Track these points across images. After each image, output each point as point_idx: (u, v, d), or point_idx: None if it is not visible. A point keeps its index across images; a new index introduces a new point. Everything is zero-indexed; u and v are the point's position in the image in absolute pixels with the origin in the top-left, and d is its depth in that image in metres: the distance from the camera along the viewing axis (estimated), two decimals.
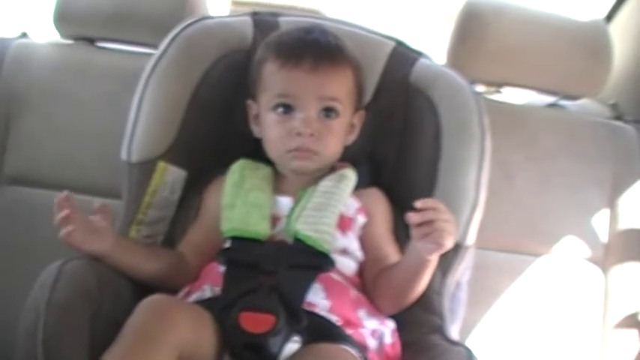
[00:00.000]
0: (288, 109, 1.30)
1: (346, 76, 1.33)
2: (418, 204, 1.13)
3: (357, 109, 1.38)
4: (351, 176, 1.35)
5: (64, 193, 1.19)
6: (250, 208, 1.29)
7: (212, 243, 1.30)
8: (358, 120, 1.39)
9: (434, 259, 1.18)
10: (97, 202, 1.21)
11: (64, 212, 1.16)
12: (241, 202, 1.30)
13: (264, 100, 1.33)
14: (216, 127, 1.44)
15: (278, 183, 1.36)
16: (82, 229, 1.17)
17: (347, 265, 1.28)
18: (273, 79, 1.31)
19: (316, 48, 1.30)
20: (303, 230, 1.25)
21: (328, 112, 1.30)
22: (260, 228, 1.27)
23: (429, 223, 1.12)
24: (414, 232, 1.14)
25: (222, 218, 1.30)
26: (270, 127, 1.32)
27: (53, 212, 1.18)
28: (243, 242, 1.26)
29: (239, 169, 1.36)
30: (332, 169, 1.35)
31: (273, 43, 1.35)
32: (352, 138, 1.39)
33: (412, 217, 1.12)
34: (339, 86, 1.31)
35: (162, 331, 1.04)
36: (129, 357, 1.02)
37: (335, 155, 1.34)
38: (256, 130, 1.38)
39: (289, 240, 1.27)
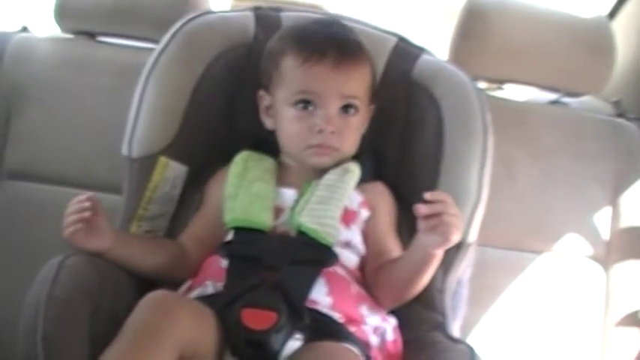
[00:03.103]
0: (309, 104, 1.29)
1: (365, 73, 1.34)
2: (427, 196, 1.12)
3: (370, 102, 1.38)
4: (355, 170, 1.34)
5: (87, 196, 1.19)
6: (253, 198, 1.29)
7: (214, 234, 1.30)
8: (369, 113, 1.39)
9: (438, 254, 1.18)
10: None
11: (86, 214, 1.17)
12: (244, 193, 1.30)
13: (282, 94, 1.32)
14: (218, 122, 1.44)
15: (281, 175, 1.35)
16: (85, 228, 1.17)
17: (349, 258, 1.28)
18: (294, 74, 1.30)
19: (338, 44, 1.30)
20: (307, 223, 1.25)
21: (348, 108, 1.31)
22: (263, 218, 1.27)
23: (436, 216, 1.12)
24: (421, 225, 1.14)
25: (225, 209, 1.30)
26: (289, 123, 1.31)
27: (68, 208, 1.18)
28: (245, 234, 1.26)
29: (242, 160, 1.36)
30: (336, 162, 1.34)
31: (292, 36, 1.33)
32: (363, 130, 1.38)
33: (420, 209, 1.12)
34: (359, 83, 1.32)
35: (164, 327, 1.04)
36: (131, 353, 1.02)
37: (353, 150, 1.34)
38: (268, 122, 1.37)
39: (292, 232, 1.26)
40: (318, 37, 1.31)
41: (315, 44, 1.29)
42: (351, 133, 1.32)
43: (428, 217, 1.12)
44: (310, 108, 1.29)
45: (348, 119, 1.31)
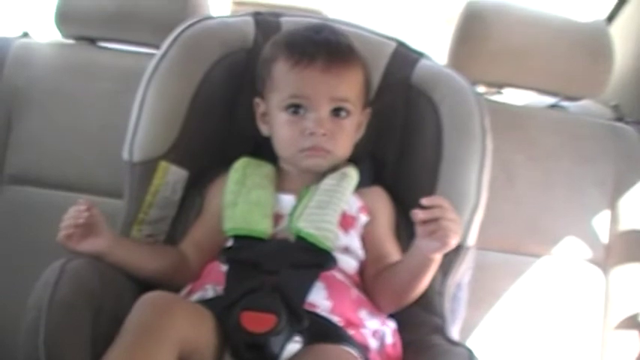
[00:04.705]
0: (300, 108, 1.30)
1: (357, 76, 1.34)
2: (424, 201, 1.13)
3: (364, 107, 1.38)
4: (353, 174, 1.35)
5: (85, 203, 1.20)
6: (252, 206, 1.29)
7: (214, 241, 1.30)
8: (365, 118, 1.39)
9: (437, 258, 1.18)
10: (96, 201, 1.21)
11: (80, 220, 1.18)
12: (243, 201, 1.30)
13: (274, 99, 1.33)
14: (218, 127, 1.45)
15: (280, 181, 1.36)
16: (78, 233, 1.18)
17: (348, 264, 1.28)
18: (285, 79, 1.31)
19: (328, 48, 1.30)
20: (305, 228, 1.25)
21: (339, 111, 1.31)
22: (262, 226, 1.27)
23: (434, 221, 1.12)
24: (419, 230, 1.14)
25: (224, 217, 1.30)
26: (281, 127, 1.32)
27: (66, 214, 1.20)
28: (245, 241, 1.26)
29: (241, 167, 1.36)
30: (335, 167, 1.35)
31: (283, 42, 1.34)
32: (359, 136, 1.39)
33: (418, 215, 1.12)
34: (350, 87, 1.32)
35: (162, 327, 1.04)
36: (130, 354, 1.02)
37: (346, 153, 1.35)
38: (264, 129, 1.38)
39: (291, 238, 1.27)
40: (308, 41, 1.32)
41: (304, 48, 1.30)
42: (343, 135, 1.32)
43: (426, 222, 1.13)
44: (301, 112, 1.30)
45: (340, 122, 1.31)
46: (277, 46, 1.34)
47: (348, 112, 1.32)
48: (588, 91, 1.88)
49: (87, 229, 1.19)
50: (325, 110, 1.30)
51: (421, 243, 1.16)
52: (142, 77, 1.40)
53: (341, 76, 1.30)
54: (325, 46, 1.31)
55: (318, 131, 1.29)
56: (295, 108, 1.30)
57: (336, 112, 1.31)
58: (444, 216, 1.12)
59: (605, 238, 1.77)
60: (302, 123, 1.30)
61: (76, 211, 1.20)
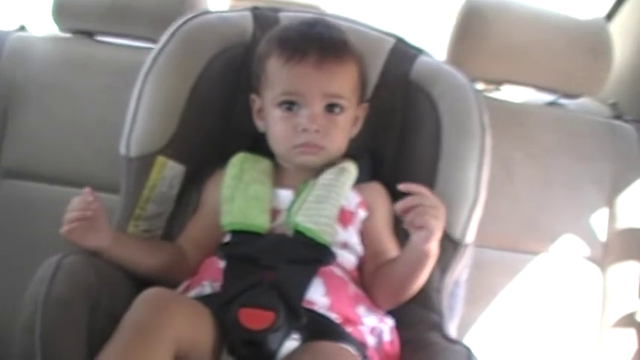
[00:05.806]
0: (293, 105, 1.30)
1: (351, 72, 1.33)
2: (401, 187, 1.14)
3: (360, 101, 1.38)
4: (351, 169, 1.35)
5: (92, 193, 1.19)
6: (250, 201, 1.29)
7: (211, 237, 1.30)
8: (362, 112, 1.39)
9: (433, 252, 1.18)
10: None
11: (89, 213, 1.17)
12: (241, 196, 1.30)
13: (268, 96, 1.32)
14: (216, 121, 1.44)
15: (278, 176, 1.36)
16: (82, 226, 1.17)
17: (347, 259, 1.27)
18: (278, 75, 1.30)
19: (321, 43, 1.30)
20: (303, 222, 1.25)
21: (333, 107, 1.30)
22: (260, 221, 1.27)
23: (414, 208, 1.13)
24: (405, 222, 1.15)
25: (222, 212, 1.30)
26: (275, 123, 1.32)
27: (71, 204, 1.19)
28: (243, 236, 1.26)
29: (239, 162, 1.36)
30: (333, 162, 1.34)
31: (276, 38, 1.34)
32: (355, 131, 1.39)
33: (397, 206, 1.14)
34: (343, 82, 1.31)
35: (160, 325, 1.04)
36: (127, 351, 1.02)
37: (341, 149, 1.34)
38: (260, 125, 1.38)
39: (289, 233, 1.26)
40: (300, 36, 1.31)
41: (297, 44, 1.30)
42: (337, 131, 1.32)
43: (407, 212, 1.13)
44: (295, 108, 1.30)
45: (334, 118, 1.31)
46: (271, 42, 1.34)
47: (342, 108, 1.31)
48: (587, 89, 1.88)
49: (90, 222, 1.18)
50: (318, 106, 1.29)
51: (413, 236, 1.16)
52: (139, 72, 1.39)
53: (334, 72, 1.30)
54: (318, 42, 1.30)
55: (311, 127, 1.28)
56: (289, 105, 1.30)
57: (330, 108, 1.30)
58: (422, 203, 1.13)
59: (602, 235, 1.77)
60: (295, 119, 1.29)
61: (82, 202, 1.19)
